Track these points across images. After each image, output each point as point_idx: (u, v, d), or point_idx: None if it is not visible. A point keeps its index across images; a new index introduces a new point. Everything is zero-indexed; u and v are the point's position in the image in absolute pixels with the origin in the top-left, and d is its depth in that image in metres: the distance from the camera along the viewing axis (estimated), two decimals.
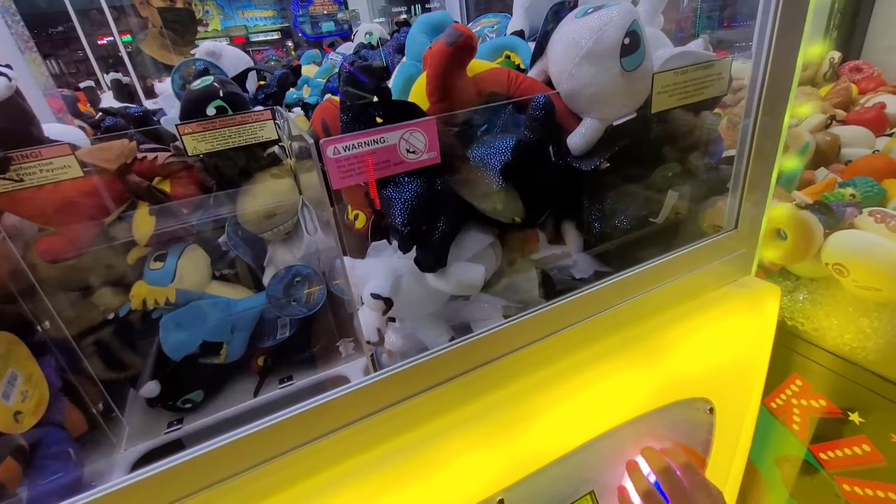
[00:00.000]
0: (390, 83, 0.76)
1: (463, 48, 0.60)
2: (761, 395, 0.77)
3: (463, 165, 0.58)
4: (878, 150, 1.00)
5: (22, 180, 0.72)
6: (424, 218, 0.53)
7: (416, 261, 0.57)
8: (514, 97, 0.69)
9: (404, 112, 0.51)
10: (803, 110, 1.09)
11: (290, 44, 7.43)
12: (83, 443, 0.88)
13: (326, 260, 1.00)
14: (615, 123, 0.66)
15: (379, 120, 0.49)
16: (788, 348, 0.83)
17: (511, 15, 0.97)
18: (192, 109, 0.82)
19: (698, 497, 0.58)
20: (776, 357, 0.82)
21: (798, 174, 0.91)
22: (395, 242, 0.63)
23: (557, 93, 0.68)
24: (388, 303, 0.54)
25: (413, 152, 0.48)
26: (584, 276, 0.77)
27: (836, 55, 1.50)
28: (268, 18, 7.36)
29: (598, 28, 0.59)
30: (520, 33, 0.85)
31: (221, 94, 0.82)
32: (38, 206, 0.78)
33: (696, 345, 0.69)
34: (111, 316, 0.90)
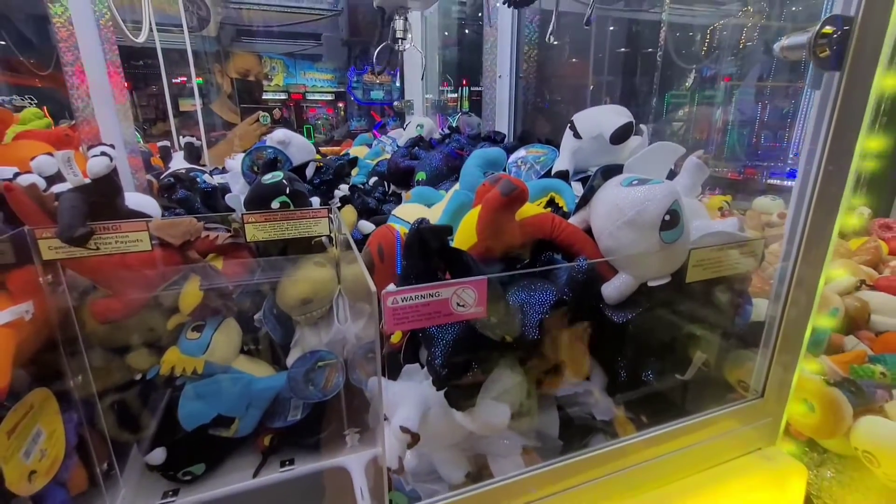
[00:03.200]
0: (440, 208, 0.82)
1: (515, 200, 0.66)
2: None
3: (502, 310, 0.61)
4: None
5: (98, 248, 0.79)
6: (464, 360, 0.56)
7: (447, 395, 0.58)
8: (555, 241, 0.74)
9: (459, 262, 0.56)
10: (836, 273, 1.11)
11: (340, 105, 8.03)
12: (78, 503, 0.87)
13: (351, 350, 1.02)
14: (650, 284, 0.69)
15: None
16: None
17: (554, 147, 1.06)
18: (259, 201, 0.90)
19: None
20: None
21: (826, 339, 0.91)
22: (427, 370, 0.65)
23: (595, 243, 0.72)
24: (416, 438, 0.55)
25: (462, 306, 0.52)
26: (604, 419, 0.77)
27: (867, 210, 1.55)
28: (325, 81, 8.04)
29: (642, 201, 0.64)
30: (564, 174, 0.92)
31: (287, 192, 0.90)
32: (103, 270, 0.84)
33: None
34: (138, 377, 0.93)
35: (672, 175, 0.83)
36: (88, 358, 0.87)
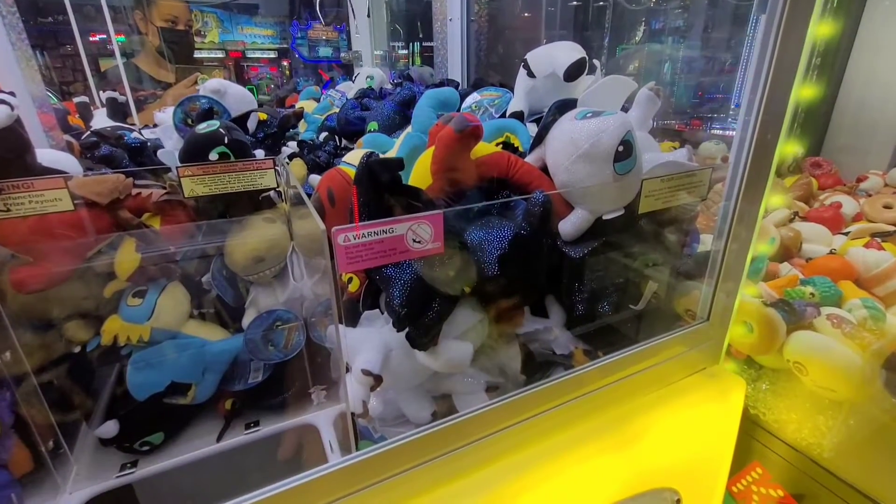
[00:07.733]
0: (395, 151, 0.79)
1: (470, 136, 0.64)
2: (725, 484, 0.80)
3: (460, 248, 0.60)
4: (834, 250, 1.09)
5: (9, 210, 0.70)
6: (423, 299, 0.55)
7: (408, 337, 0.58)
8: (511, 179, 0.73)
9: (413, 198, 0.53)
10: (774, 200, 1.18)
11: (285, 63, 7.49)
12: (24, 484, 0.82)
13: (310, 307, 0.99)
14: (605, 217, 0.70)
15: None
16: (750, 435, 0.87)
17: (509, 90, 1.04)
18: (195, 152, 0.83)
19: None
20: (738, 442, 0.85)
21: (765, 266, 0.98)
22: (387, 314, 0.64)
23: (551, 181, 0.72)
24: (378, 380, 0.54)
25: (419, 242, 0.50)
26: (564, 353, 0.79)
27: (800, 150, 1.64)
28: (266, 37, 7.42)
29: (596, 133, 0.64)
30: (519, 114, 0.90)
31: (226, 141, 0.83)
32: (18, 235, 0.76)
33: (667, 432, 0.72)
34: (76, 350, 0.87)
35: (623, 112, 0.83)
36: (18, 331, 0.79)
